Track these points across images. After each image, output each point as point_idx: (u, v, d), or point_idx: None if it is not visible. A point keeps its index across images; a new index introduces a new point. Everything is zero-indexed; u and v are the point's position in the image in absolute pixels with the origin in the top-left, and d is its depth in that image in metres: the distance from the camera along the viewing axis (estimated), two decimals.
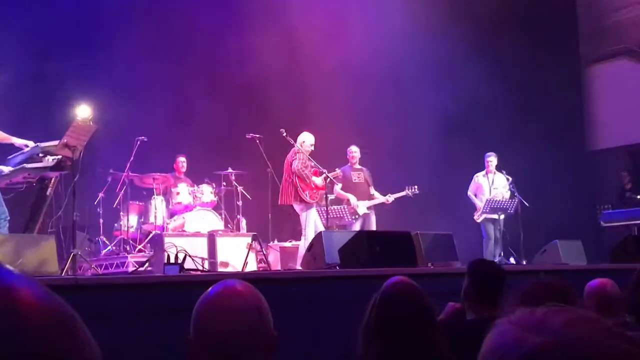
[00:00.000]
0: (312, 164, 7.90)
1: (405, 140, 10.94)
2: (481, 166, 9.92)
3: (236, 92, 10.73)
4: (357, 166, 9.13)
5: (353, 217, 8.72)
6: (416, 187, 9.07)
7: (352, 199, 8.78)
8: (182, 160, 9.33)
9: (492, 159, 9.74)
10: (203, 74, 10.48)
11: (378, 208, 9.04)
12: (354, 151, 9.13)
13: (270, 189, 8.99)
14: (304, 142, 8.01)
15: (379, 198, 8.97)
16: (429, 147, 10.98)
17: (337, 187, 8.81)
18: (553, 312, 0.75)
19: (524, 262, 9.04)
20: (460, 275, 3.35)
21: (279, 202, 8.01)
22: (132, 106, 9.46)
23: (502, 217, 9.56)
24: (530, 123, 11.15)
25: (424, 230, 7.31)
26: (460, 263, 7.02)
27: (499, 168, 9.79)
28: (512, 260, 9.41)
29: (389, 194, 8.97)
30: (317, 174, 7.93)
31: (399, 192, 9.02)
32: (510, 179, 9.60)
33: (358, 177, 9.01)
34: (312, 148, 7.99)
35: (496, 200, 9.46)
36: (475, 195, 9.85)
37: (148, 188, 8.83)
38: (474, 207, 9.83)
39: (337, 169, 8.71)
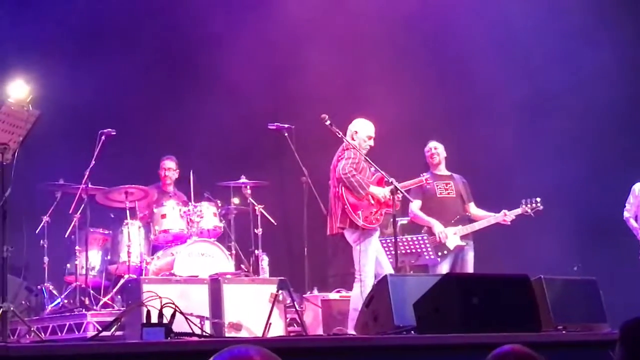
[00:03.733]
0: (373, 168, 7.85)
1: (519, 128, 10.87)
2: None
3: (252, 60, 10.82)
4: (444, 171, 9.06)
5: (438, 254, 8.66)
6: (539, 200, 8.95)
7: (437, 225, 8.70)
8: (169, 166, 9.40)
9: None
10: (199, 33, 10.63)
11: (479, 238, 8.96)
12: (435, 148, 9.07)
13: (307, 209, 8.98)
14: (356, 132, 7.97)
15: (487, 218, 8.87)
16: (559, 137, 10.86)
17: (414, 206, 8.72)
18: None
19: None
20: (610, 345, 3.39)
21: (328, 232, 8.00)
22: (93, 82, 9.60)
23: None
24: None
25: (551, 273, 7.24)
26: (610, 326, 6.94)
27: None
28: None
29: (505, 210, 8.89)
30: (382, 182, 7.86)
31: (513, 209, 8.91)
32: None
33: (446, 190, 8.94)
34: (372, 143, 7.96)
35: None
36: (636, 218, 9.72)
37: (118, 209, 8.92)
38: (634, 238, 9.69)
39: (423, 174, 8.65)
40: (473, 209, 8.97)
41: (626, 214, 9.76)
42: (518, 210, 8.91)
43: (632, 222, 9.71)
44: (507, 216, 8.82)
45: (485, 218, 8.89)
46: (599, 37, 10.94)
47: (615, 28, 11.03)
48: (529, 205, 8.91)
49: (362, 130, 7.96)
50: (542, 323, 6.11)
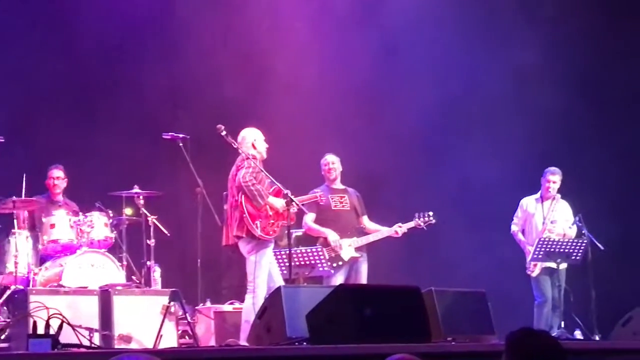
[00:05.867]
0: (270, 179, 7.84)
1: (411, 141, 11.03)
2: (534, 186, 9.94)
3: (148, 68, 10.73)
4: (339, 185, 9.13)
5: (333, 265, 8.70)
6: (431, 214, 9.12)
7: (331, 234, 8.76)
8: (57, 175, 9.22)
9: (555, 179, 9.69)
10: (97, 39, 10.49)
11: (372, 251, 9.05)
12: (333, 162, 9.14)
13: (201, 220, 8.93)
14: (255, 140, 7.97)
15: (380, 231, 8.98)
16: (448, 151, 11.07)
17: (307, 218, 8.76)
18: None
19: (597, 337, 9.09)
20: (497, 356, 3.38)
21: (224, 242, 7.95)
22: None
23: (562, 266, 9.59)
24: (615, 127, 11.13)
25: (442, 285, 7.34)
26: (497, 337, 7.06)
27: (562, 193, 9.80)
28: (577, 334, 9.45)
29: (399, 224, 9.01)
30: (279, 194, 7.86)
31: (406, 222, 9.05)
32: (580, 216, 9.59)
33: (341, 203, 9.01)
34: (264, 151, 7.96)
35: (553, 241, 9.46)
36: (524, 232, 9.91)
37: (4, 218, 8.72)
38: (521, 251, 9.82)
39: (316, 190, 8.73)
40: (367, 222, 9.06)
41: (514, 228, 9.89)
42: (411, 224, 9.04)
43: (520, 235, 9.85)
44: (401, 229, 8.95)
45: (378, 231, 9.00)
46: (495, 48, 11.13)
47: (511, 38, 11.22)
48: (421, 219, 9.06)
49: (259, 138, 7.97)
50: (432, 334, 6.20)
